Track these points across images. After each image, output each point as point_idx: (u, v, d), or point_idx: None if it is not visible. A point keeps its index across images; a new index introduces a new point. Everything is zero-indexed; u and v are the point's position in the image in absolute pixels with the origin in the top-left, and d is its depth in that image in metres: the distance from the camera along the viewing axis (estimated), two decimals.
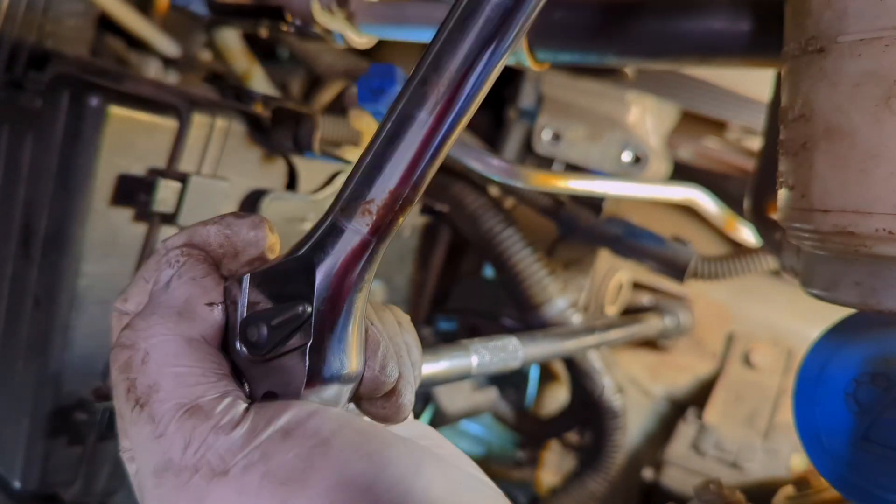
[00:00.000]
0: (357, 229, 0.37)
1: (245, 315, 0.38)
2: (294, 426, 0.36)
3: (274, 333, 0.37)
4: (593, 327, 1.06)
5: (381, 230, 0.37)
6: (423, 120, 0.35)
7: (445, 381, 0.75)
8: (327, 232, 0.37)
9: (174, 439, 0.35)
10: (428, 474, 0.37)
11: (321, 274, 0.37)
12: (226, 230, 0.42)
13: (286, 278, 0.38)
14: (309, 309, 0.37)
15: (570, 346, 0.96)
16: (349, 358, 0.38)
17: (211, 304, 0.39)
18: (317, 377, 0.37)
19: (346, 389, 0.39)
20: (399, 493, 0.35)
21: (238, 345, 0.39)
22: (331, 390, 0.38)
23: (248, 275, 0.39)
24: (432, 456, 0.39)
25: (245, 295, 0.39)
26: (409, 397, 0.44)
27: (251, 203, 0.81)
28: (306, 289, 0.37)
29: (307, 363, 0.37)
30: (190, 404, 0.36)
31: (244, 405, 0.37)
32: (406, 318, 0.48)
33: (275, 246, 0.42)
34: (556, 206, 1.13)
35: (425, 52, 0.36)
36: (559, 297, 1.12)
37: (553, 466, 1.42)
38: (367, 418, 0.44)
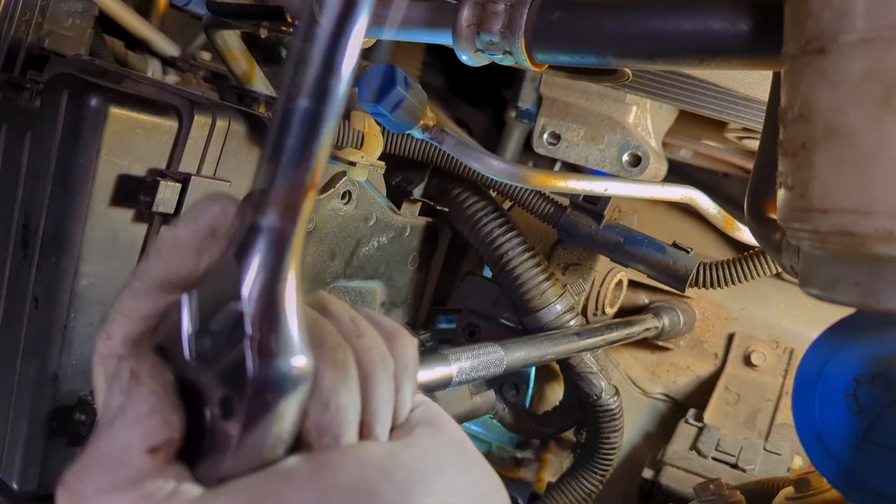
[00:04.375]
0: (266, 222, 0.38)
1: (188, 331, 0.39)
2: None
3: (216, 339, 0.38)
4: (585, 331, 1.06)
5: (288, 219, 0.38)
6: (303, 106, 0.37)
7: (424, 391, 0.75)
8: (244, 232, 0.39)
9: None
10: None
11: (246, 272, 0.38)
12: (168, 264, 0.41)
13: (219, 285, 0.39)
14: (239, 306, 0.38)
15: (557, 350, 0.95)
16: (291, 344, 0.38)
17: (153, 451, 0.38)
18: (265, 367, 0.37)
19: (301, 379, 0.39)
20: None
21: (187, 358, 0.39)
22: (282, 380, 0.38)
23: (185, 296, 0.40)
24: (419, 478, 0.40)
25: (185, 315, 0.40)
26: (346, 440, 0.41)
27: None
28: (236, 289, 0.38)
29: (250, 355, 0.37)
30: None
31: (214, 499, 0.37)
32: (397, 331, 0.47)
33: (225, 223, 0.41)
34: (557, 213, 1.12)
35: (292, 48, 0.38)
36: (557, 302, 1.12)
37: (554, 467, 1.42)
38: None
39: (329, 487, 0.38)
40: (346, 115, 1.04)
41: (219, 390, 0.38)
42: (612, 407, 1.19)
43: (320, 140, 0.38)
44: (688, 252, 1.09)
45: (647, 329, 1.20)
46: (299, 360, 0.38)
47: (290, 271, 0.39)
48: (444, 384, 0.71)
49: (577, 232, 1.11)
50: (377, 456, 0.41)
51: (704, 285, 1.10)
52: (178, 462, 0.39)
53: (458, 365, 0.72)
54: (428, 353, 0.70)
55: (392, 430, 0.45)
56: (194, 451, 0.40)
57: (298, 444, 0.40)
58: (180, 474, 0.38)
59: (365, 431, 0.43)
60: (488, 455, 1.45)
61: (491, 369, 0.77)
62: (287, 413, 0.39)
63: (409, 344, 0.47)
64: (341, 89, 0.38)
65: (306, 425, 0.40)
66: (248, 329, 0.38)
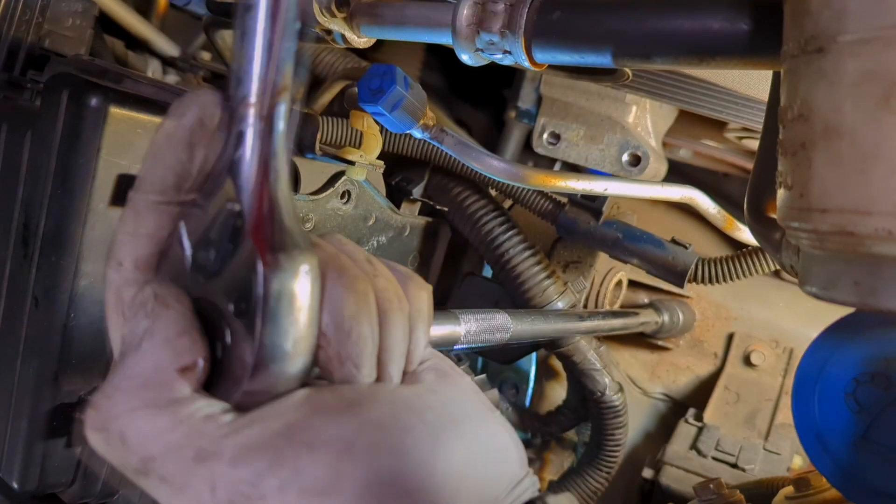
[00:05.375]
0: (248, 124, 0.39)
1: (190, 251, 0.40)
2: (314, 437, 0.36)
3: (219, 247, 0.39)
4: (589, 314, 1.06)
5: (268, 116, 0.39)
6: (260, 4, 0.38)
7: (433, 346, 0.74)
8: (229, 139, 0.40)
9: (197, 488, 0.35)
10: (446, 450, 0.39)
11: (239, 177, 0.39)
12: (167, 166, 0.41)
13: (215, 201, 0.40)
14: (236, 206, 0.39)
15: (561, 326, 0.95)
16: (292, 236, 0.39)
17: (184, 370, 0.38)
18: (272, 259, 0.38)
19: (310, 269, 0.39)
20: (422, 477, 0.37)
21: (192, 275, 0.40)
22: (291, 269, 0.38)
23: (181, 223, 0.41)
24: (449, 421, 0.40)
25: (184, 235, 0.40)
26: (365, 370, 0.41)
27: None
28: (232, 192, 0.39)
29: (255, 249, 0.38)
30: (195, 453, 0.36)
31: (249, 425, 0.36)
32: (412, 276, 0.46)
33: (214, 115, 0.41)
34: (556, 210, 1.13)
35: None
36: (559, 300, 1.13)
37: (556, 466, 1.42)
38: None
39: (364, 422, 0.38)
40: (346, 115, 1.04)
41: (233, 294, 0.38)
42: (617, 403, 1.19)
43: (283, 40, 0.39)
44: (686, 248, 1.09)
45: (646, 322, 1.20)
46: (302, 246, 0.39)
47: (279, 170, 0.40)
48: (453, 342, 0.71)
49: (576, 228, 1.12)
50: (407, 396, 0.41)
51: (703, 281, 1.10)
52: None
53: (467, 326, 0.72)
54: (439, 310, 0.70)
55: (405, 374, 0.45)
56: (210, 380, 0.39)
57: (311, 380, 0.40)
58: (210, 400, 0.38)
59: (378, 370, 0.43)
60: None
61: (497, 334, 0.77)
62: (301, 307, 0.38)
63: (424, 288, 0.47)
64: None
65: (328, 353, 0.40)
66: (248, 225, 0.38)
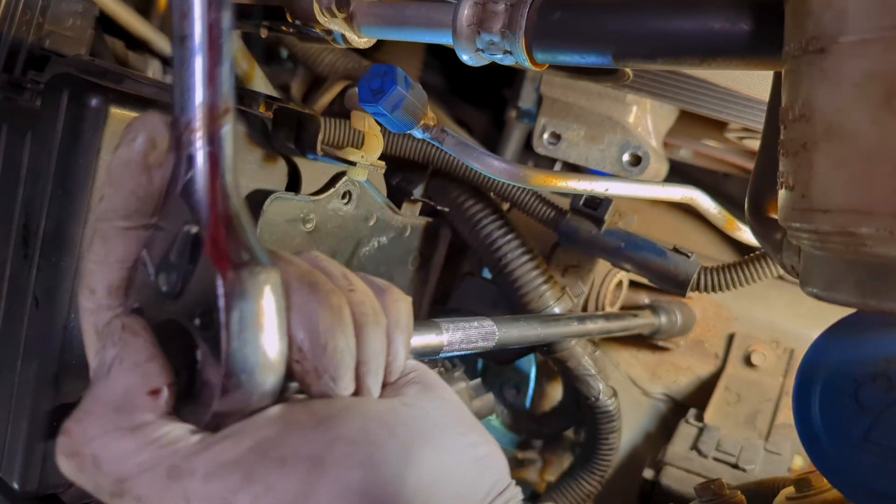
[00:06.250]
0: (196, 148, 0.40)
1: (153, 273, 0.41)
2: (285, 453, 0.37)
3: (179, 266, 0.40)
4: (581, 317, 1.05)
5: (213, 139, 0.40)
6: (194, 32, 0.39)
7: (416, 357, 0.73)
8: (180, 164, 0.41)
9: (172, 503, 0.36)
10: (418, 463, 0.39)
11: (192, 194, 0.40)
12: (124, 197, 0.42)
13: (173, 225, 0.41)
14: (193, 227, 0.40)
15: (551, 332, 0.94)
16: (249, 249, 0.40)
17: (154, 392, 0.38)
18: (230, 274, 0.38)
19: (270, 279, 0.39)
20: (392, 490, 0.37)
21: (158, 298, 0.40)
22: (251, 280, 0.38)
23: (144, 251, 0.42)
24: (421, 435, 0.41)
25: (148, 262, 0.41)
26: (342, 384, 0.42)
27: (254, 204, 0.81)
28: (188, 214, 0.40)
29: (216, 272, 0.38)
30: (167, 471, 0.36)
31: (220, 442, 0.37)
32: (389, 288, 0.47)
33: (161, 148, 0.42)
34: (558, 218, 1.12)
35: None
36: (556, 305, 1.12)
37: (556, 467, 1.42)
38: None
39: (334, 438, 0.38)
40: (346, 115, 1.04)
41: (196, 314, 0.39)
42: (610, 408, 1.19)
43: (220, 66, 0.40)
44: (688, 256, 1.09)
45: (643, 324, 1.19)
46: (262, 261, 0.39)
47: (230, 189, 0.41)
48: (435, 352, 0.70)
49: (578, 237, 1.11)
50: (379, 411, 0.42)
51: (705, 289, 1.10)
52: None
53: (450, 335, 0.71)
54: (420, 320, 0.70)
55: (385, 386, 0.46)
56: (186, 401, 0.40)
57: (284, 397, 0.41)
58: (177, 422, 0.39)
59: (357, 383, 0.43)
60: None
61: (481, 342, 0.76)
62: (264, 322, 0.39)
63: (401, 300, 0.47)
64: (225, 18, 0.40)
65: (305, 367, 0.40)
66: (206, 245, 0.39)
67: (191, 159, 0.40)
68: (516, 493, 0.46)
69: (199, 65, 0.39)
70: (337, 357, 0.41)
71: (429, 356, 0.71)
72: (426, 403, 0.45)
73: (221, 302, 0.37)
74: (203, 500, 0.35)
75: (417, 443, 0.40)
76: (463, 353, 0.74)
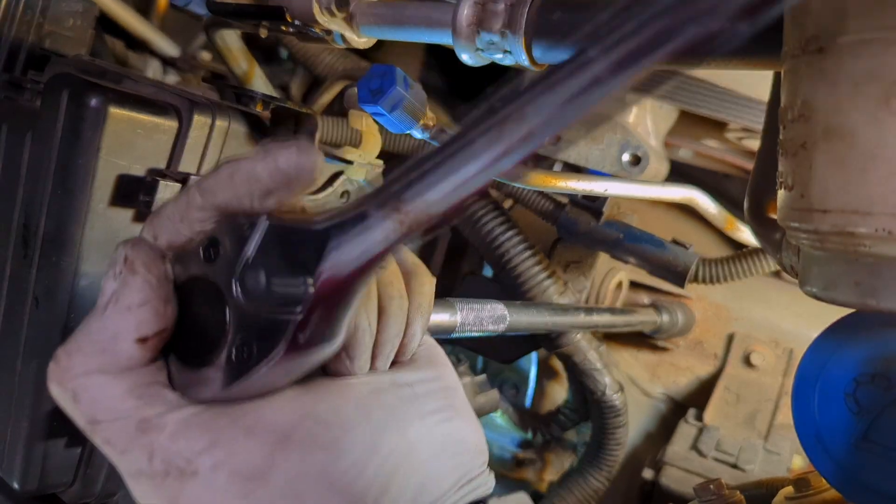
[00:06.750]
0: (383, 225, 0.35)
1: (250, 257, 0.37)
2: (254, 423, 0.37)
3: (271, 293, 0.37)
4: (587, 309, 1.06)
5: (405, 234, 0.36)
6: (485, 146, 0.34)
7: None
8: (354, 216, 0.36)
9: (137, 454, 0.37)
10: (385, 449, 0.40)
11: (332, 254, 0.36)
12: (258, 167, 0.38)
13: (296, 244, 0.37)
14: (311, 288, 0.36)
15: (559, 320, 0.95)
16: (334, 337, 0.38)
17: (143, 340, 0.38)
18: (295, 350, 0.37)
19: (319, 360, 0.39)
20: (352, 476, 0.38)
21: (234, 283, 0.38)
22: (305, 362, 0.38)
23: (267, 219, 0.37)
24: (396, 420, 0.41)
25: (256, 237, 0.37)
26: (359, 363, 0.42)
27: None
28: (312, 263, 0.36)
29: (290, 336, 0.36)
30: (137, 423, 0.37)
31: (191, 408, 0.37)
32: (418, 268, 0.46)
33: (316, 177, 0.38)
34: (556, 210, 1.13)
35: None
36: (559, 299, 1.12)
37: (556, 467, 1.42)
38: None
39: (306, 415, 0.38)
40: (344, 114, 1.04)
41: (244, 334, 0.37)
42: (617, 403, 1.19)
43: (485, 182, 0.35)
44: (687, 248, 1.09)
45: (645, 321, 1.20)
46: (332, 346, 0.38)
47: (372, 273, 0.37)
48: (448, 331, 0.71)
49: (577, 229, 1.12)
50: (361, 394, 0.42)
51: (704, 281, 1.10)
52: (164, 359, 0.39)
53: (463, 315, 0.72)
54: (437, 298, 0.70)
55: (394, 363, 0.46)
56: (184, 349, 0.39)
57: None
58: (158, 373, 0.39)
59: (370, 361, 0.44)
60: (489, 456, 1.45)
61: (492, 325, 0.77)
62: (295, 374, 0.39)
63: (427, 282, 0.47)
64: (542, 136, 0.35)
65: None
66: (304, 312, 0.36)
67: (366, 220, 0.35)
68: (484, 482, 0.46)
69: (462, 168, 0.34)
70: (358, 336, 0.41)
71: (442, 335, 0.71)
72: (419, 385, 0.45)
73: (270, 362, 0.36)
74: (166, 455, 0.36)
75: (390, 428, 0.41)
76: (474, 334, 0.74)
